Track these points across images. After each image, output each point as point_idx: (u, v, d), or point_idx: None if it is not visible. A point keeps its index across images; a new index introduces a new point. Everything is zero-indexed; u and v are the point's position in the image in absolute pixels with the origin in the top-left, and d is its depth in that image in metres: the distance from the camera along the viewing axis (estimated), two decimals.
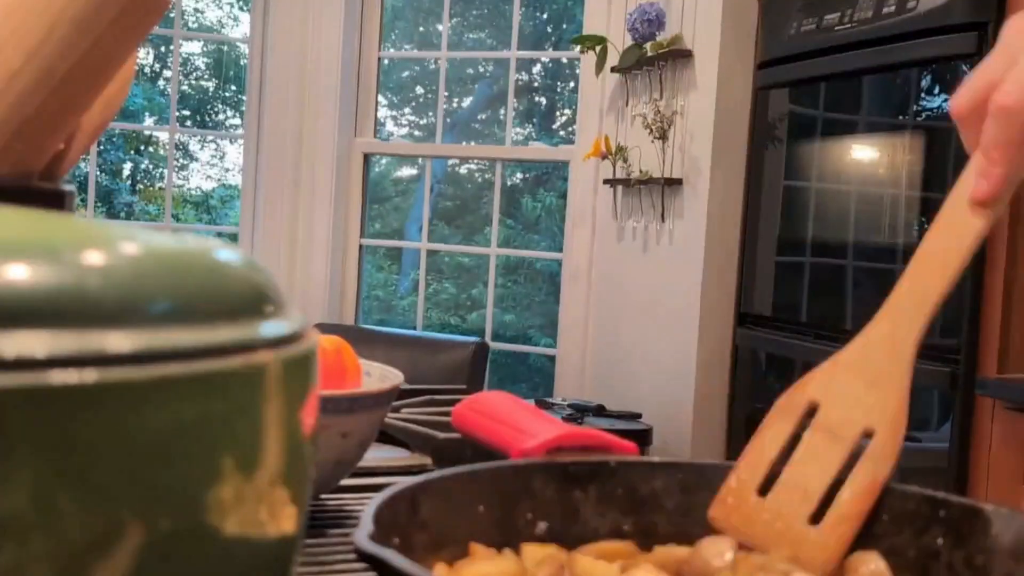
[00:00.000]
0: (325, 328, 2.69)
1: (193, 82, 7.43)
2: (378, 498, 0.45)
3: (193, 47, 7.41)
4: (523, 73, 6.37)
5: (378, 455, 0.83)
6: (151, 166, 7.52)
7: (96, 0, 0.50)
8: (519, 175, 6.69)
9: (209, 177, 7.65)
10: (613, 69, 3.14)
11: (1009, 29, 0.57)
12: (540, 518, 0.53)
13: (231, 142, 7.64)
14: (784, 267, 2.73)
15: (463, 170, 7.04)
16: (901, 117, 2.38)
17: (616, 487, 0.54)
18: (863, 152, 2.52)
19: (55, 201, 0.56)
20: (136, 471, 0.25)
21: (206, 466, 0.27)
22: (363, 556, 0.39)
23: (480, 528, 0.50)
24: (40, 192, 0.55)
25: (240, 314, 0.29)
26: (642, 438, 2.83)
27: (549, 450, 0.59)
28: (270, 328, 0.30)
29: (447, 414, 0.93)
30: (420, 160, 5.16)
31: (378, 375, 0.72)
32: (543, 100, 6.96)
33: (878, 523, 0.51)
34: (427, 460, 0.84)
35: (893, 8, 2.31)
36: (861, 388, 0.52)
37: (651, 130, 2.93)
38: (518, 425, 0.64)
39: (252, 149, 3.78)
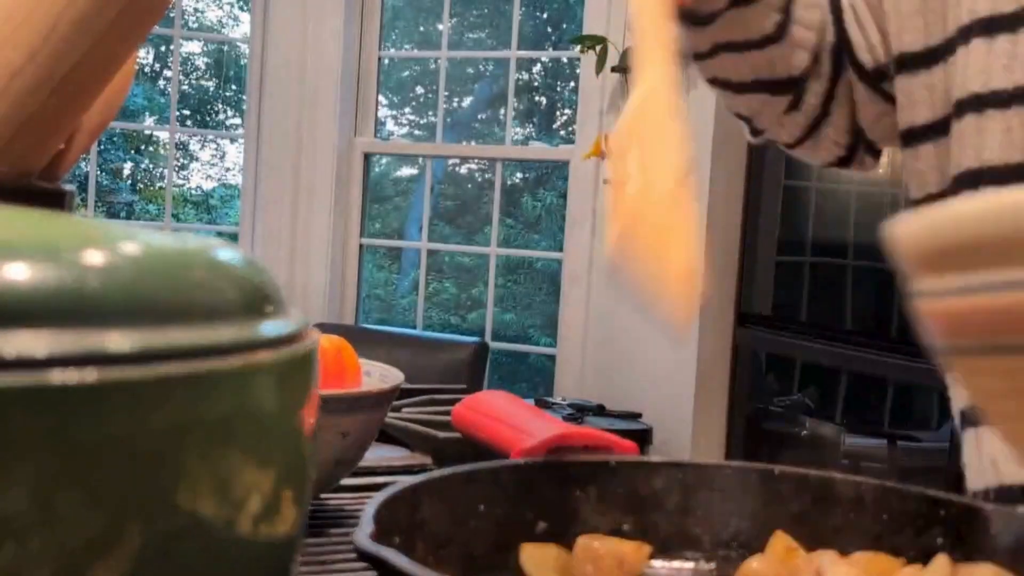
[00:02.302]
0: (325, 328, 2.69)
1: (193, 82, 7.44)
2: (378, 497, 0.45)
3: (193, 47, 7.41)
4: (523, 73, 6.37)
5: (378, 455, 0.83)
6: (151, 166, 7.52)
7: (97, 0, 0.50)
8: (519, 175, 6.70)
9: (209, 177, 7.66)
10: (613, 69, 3.14)
11: None
12: (540, 517, 0.53)
13: (231, 142, 7.65)
14: (784, 267, 2.73)
15: (463, 170, 7.04)
16: None
17: (616, 487, 0.54)
18: None
19: (55, 201, 0.56)
20: (136, 471, 0.25)
21: (206, 466, 0.27)
22: (363, 555, 0.39)
23: (480, 527, 0.50)
24: (40, 192, 0.55)
25: (240, 314, 0.29)
26: (642, 438, 2.83)
27: (549, 449, 0.59)
28: (270, 328, 0.30)
29: (447, 414, 0.93)
30: (420, 160, 5.16)
31: (378, 375, 0.72)
32: (543, 100, 6.96)
33: (878, 523, 0.51)
34: (427, 460, 0.84)
35: None
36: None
37: None
38: (518, 424, 0.64)
39: (252, 149, 3.78)
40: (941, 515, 0.50)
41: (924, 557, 0.49)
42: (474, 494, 0.51)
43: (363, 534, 0.41)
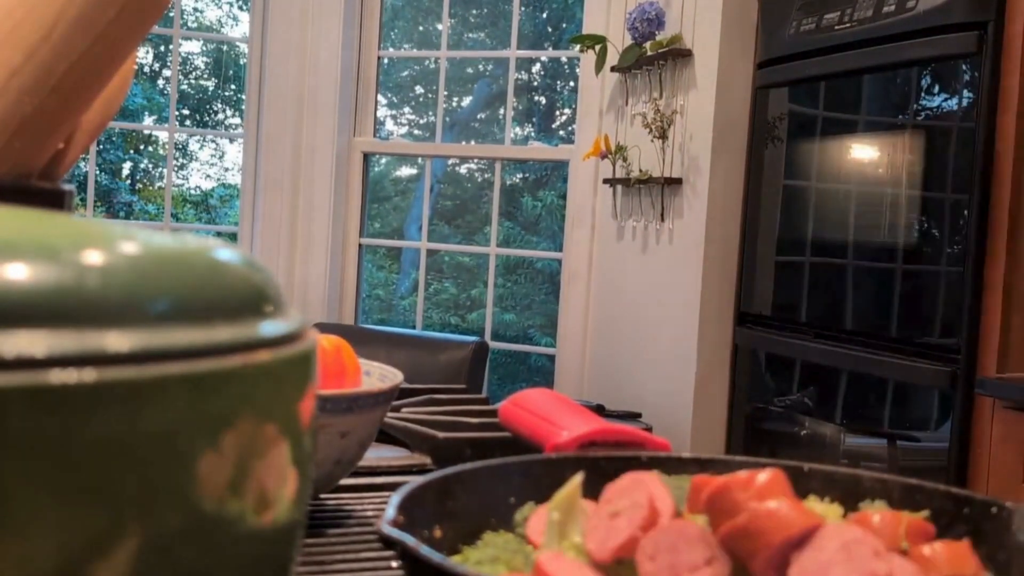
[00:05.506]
0: (325, 328, 2.69)
1: (192, 81, 7.44)
2: (408, 485, 0.46)
3: (193, 46, 7.41)
4: (523, 72, 6.37)
5: (378, 455, 0.83)
6: (150, 165, 7.52)
7: (96, 0, 0.50)
8: (519, 175, 6.70)
9: (208, 176, 7.66)
10: (613, 68, 3.14)
11: None
12: None
13: (230, 141, 7.65)
14: (784, 267, 2.73)
15: (463, 170, 7.04)
16: (900, 116, 2.38)
17: None
18: (863, 151, 2.52)
19: (54, 200, 0.56)
20: (135, 470, 0.25)
21: (205, 465, 0.27)
22: (385, 540, 0.40)
23: (509, 519, 0.50)
24: (39, 191, 0.55)
25: (239, 314, 0.29)
26: None
27: (582, 445, 0.60)
28: (269, 327, 0.30)
29: (447, 413, 0.93)
30: (420, 159, 5.16)
31: (378, 375, 0.72)
32: (543, 100, 6.96)
33: None
34: (427, 460, 0.84)
35: (893, 8, 2.31)
36: None
37: (651, 129, 2.93)
38: (555, 420, 0.65)
39: (251, 148, 3.78)
40: (965, 513, 0.50)
41: None
42: (505, 487, 0.51)
43: (386, 520, 0.41)
